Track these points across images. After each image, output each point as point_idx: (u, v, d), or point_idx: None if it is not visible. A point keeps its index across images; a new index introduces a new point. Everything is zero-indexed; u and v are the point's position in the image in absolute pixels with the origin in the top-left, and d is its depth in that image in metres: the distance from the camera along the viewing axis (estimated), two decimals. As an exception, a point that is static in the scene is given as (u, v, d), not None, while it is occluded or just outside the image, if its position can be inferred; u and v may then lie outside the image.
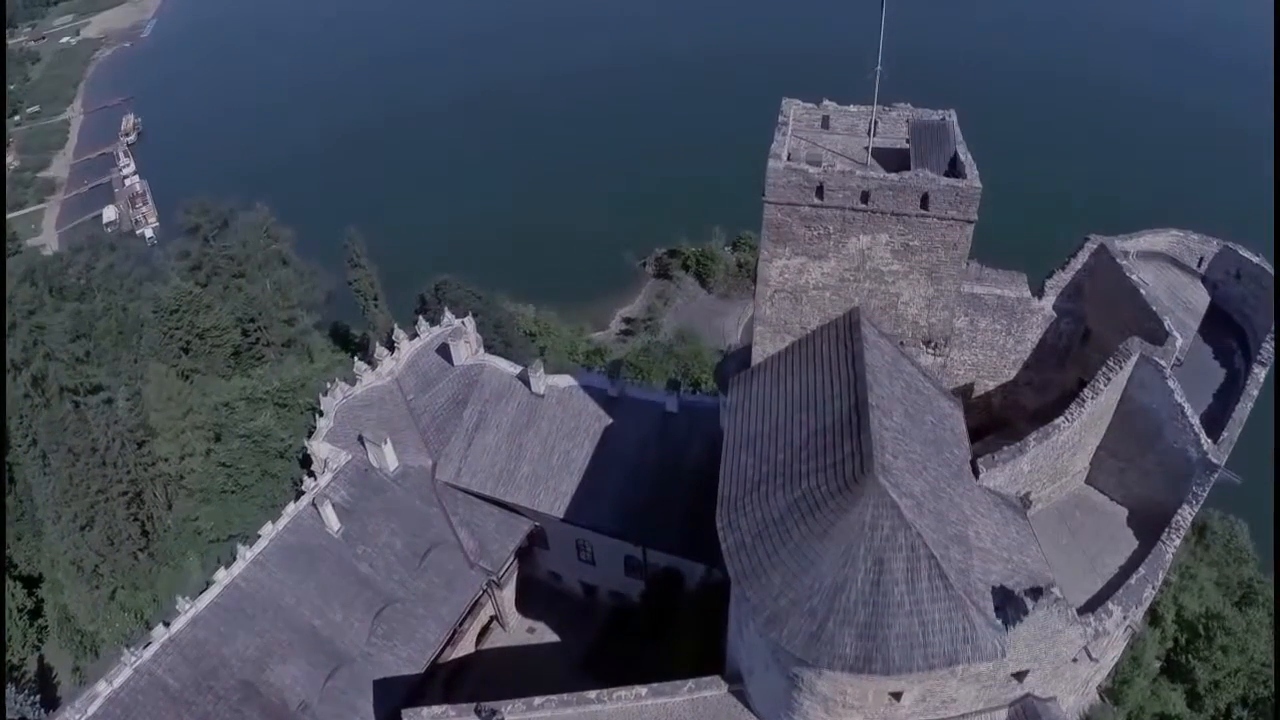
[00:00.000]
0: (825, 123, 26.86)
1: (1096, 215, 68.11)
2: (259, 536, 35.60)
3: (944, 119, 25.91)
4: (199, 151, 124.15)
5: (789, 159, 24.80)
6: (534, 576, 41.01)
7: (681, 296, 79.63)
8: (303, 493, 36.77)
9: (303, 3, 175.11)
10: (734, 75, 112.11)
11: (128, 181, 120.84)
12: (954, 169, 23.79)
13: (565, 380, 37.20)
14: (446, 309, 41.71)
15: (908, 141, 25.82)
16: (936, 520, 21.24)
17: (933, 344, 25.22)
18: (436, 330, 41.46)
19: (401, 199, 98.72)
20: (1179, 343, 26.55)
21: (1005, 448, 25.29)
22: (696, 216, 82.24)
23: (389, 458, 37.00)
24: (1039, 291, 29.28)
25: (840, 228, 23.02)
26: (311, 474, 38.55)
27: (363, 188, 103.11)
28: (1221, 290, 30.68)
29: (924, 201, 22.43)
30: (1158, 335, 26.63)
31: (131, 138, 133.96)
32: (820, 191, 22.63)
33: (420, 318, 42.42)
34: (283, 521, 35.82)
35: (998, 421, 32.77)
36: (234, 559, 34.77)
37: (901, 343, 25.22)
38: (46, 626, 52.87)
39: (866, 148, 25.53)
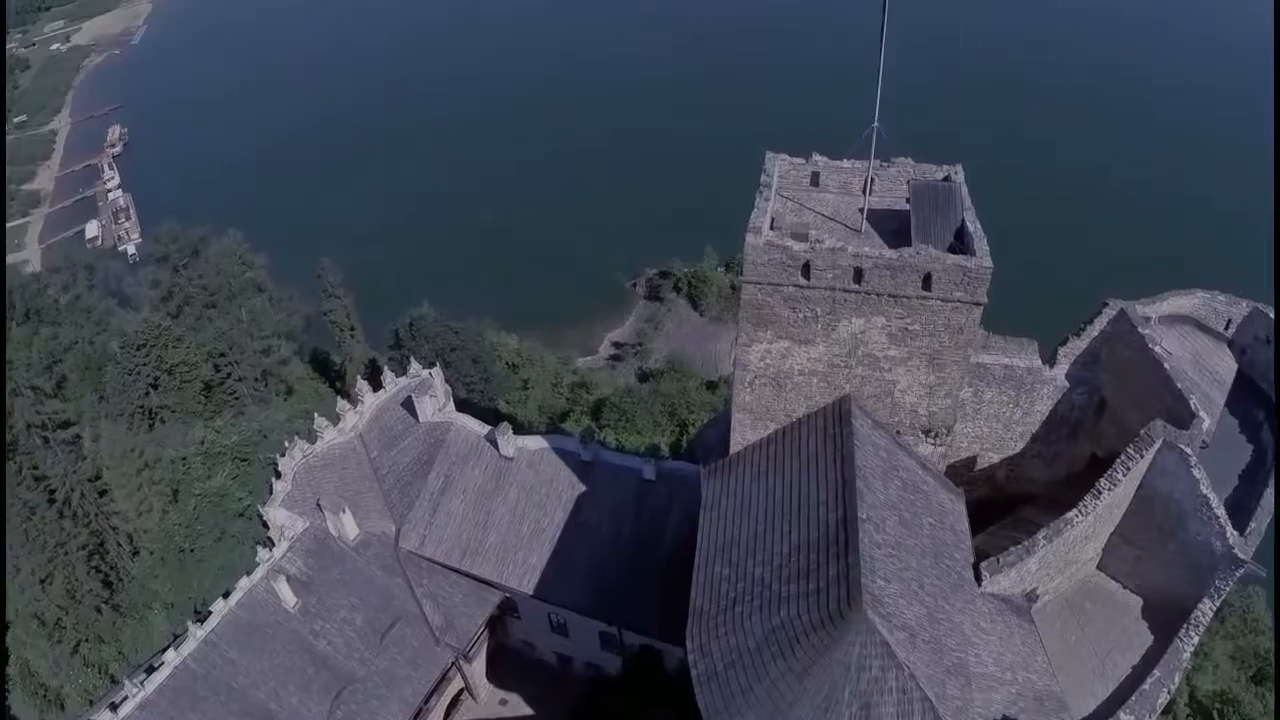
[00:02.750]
0: (815, 180, 24.26)
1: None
2: (210, 613, 33.35)
3: (949, 178, 23.25)
4: (185, 162, 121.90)
5: (772, 224, 22.22)
6: (506, 644, 38.53)
7: (672, 320, 76.97)
8: (258, 564, 34.37)
9: (294, 10, 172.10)
10: (729, 90, 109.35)
11: (111, 195, 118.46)
12: (961, 239, 21.18)
13: (536, 442, 34.67)
14: (413, 359, 39.10)
15: (908, 201, 23.27)
16: (933, 652, 18.72)
17: (933, 433, 22.63)
18: (403, 381, 38.91)
19: (387, 216, 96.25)
20: (1206, 425, 23.98)
21: (1012, 549, 22.75)
22: (689, 236, 79.60)
23: (348, 526, 34.52)
24: (1051, 359, 26.70)
25: (829, 310, 20.42)
26: (270, 541, 36.08)
27: (348, 205, 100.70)
28: (1249, 356, 28.06)
29: (926, 282, 19.81)
30: (1182, 416, 24.05)
31: (117, 149, 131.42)
32: (807, 270, 20.04)
33: (386, 368, 39.82)
34: (236, 596, 33.44)
35: (1003, 496, 30.30)
36: (185, 636, 32.48)
37: (898, 431, 22.64)
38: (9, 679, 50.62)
39: (861, 209, 22.95)
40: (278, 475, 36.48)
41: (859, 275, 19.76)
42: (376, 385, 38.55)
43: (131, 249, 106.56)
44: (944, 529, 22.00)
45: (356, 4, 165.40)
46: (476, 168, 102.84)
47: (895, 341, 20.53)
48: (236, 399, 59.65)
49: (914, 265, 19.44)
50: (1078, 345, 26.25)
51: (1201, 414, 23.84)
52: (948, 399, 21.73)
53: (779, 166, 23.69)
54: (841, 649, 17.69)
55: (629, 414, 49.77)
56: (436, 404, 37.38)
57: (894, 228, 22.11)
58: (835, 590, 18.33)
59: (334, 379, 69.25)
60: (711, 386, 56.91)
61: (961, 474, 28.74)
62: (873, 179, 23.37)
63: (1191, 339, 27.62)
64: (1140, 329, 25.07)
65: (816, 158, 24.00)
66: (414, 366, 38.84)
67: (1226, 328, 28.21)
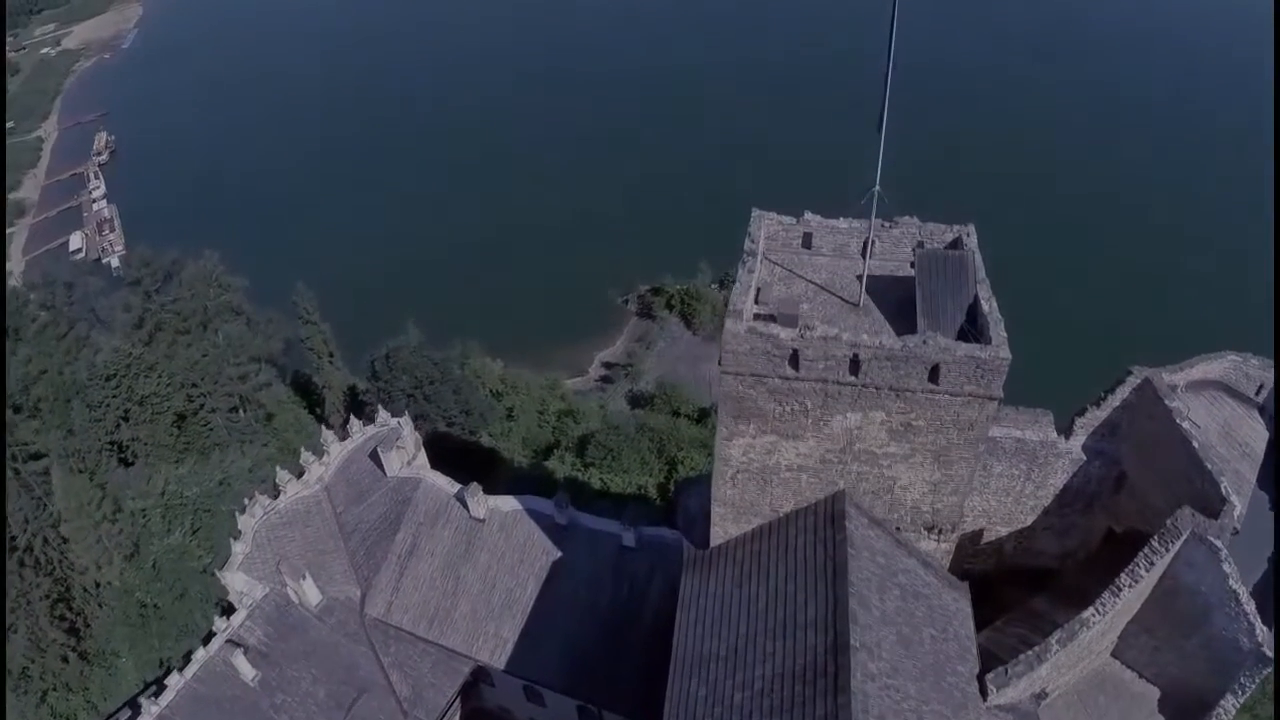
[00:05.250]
0: (806, 241, 21.90)
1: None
2: (165, 687, 31.31)
3: (960, 241, 20.83)
4: (172, 170, 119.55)
5: (758, 296, 19.90)
6: (482, 708, 36.32)
7: (665, 339, 74.52)
8: (214, 633, 32.27)
9: (289, 15, 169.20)
10: (723, 104, 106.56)
11: (96, 206, 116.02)
12: (973, 319, 18.79)
13: (508, 503, 32.45)
14: (380, 407, 36.88)
15: (913, 265, 20.93)
16: (934, 796, 16.52)
17: (937, 530, 20.32)
18: (370, 430, 36.70)
19: (375, 229, 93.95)
20: (1237, 511, 21.66)
21: (1021, 657, 20.49)
22: (682, 251, 77.17)
23: (310, 594, 32.34)
24: (1067, 430, 24.37)
25: (821, 403, 18.09)
26: (229, 606, 33.94)
27: (337, 218, 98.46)
28: (1281, 423, 25.80)
29: (933, 374, 17.46)
30: (1212, 501, 21.75)
31: (104, 157, 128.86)
32: (795, 360, 17.70)
33: (353, 416, 37.64)
34: (191, 669, 31.45)
35: (1011, 570, 28.06)
36: (138, 712, 30.51)
37: (898, 528, 20.34)
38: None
39: (860, 276, 20.59)
40: (236, 535, 34.33)
41: (856, 366, 17.40)
42: (358, 412, 36.49)
43: (115, 261, 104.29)
44: (947, 639, 19.73)
45: (351, 11, 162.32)
46: (467, 181, 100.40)
47: (896, 438, 18.18)
48: (210, 430, 57.53)
49: (920, 357, 17.08)
50: (1097, 415, 23.89)
51: (1233, 499, 21.52)
52: (954, 496, 19.45)
53: (766, 227, 21.32)
54: (830, 806, 15.47)
55: (615, 452, 47.56)
56: (405, 456, 35.18)
57: (897, 298, 19.74)
58: (823, 733, 16.09)
59: (315, 404, 67.11)
60: (703, 416, 54.57)
61: (967, 547, 26.50)
62: (873, 240, 20.97)
63: (1220, 406, 25.27)
64: (1167, 400, 22.73)
65: (809, 217, 21.62)
66: (382, 415, 36.64)
67: (1258, 393, 25.88)
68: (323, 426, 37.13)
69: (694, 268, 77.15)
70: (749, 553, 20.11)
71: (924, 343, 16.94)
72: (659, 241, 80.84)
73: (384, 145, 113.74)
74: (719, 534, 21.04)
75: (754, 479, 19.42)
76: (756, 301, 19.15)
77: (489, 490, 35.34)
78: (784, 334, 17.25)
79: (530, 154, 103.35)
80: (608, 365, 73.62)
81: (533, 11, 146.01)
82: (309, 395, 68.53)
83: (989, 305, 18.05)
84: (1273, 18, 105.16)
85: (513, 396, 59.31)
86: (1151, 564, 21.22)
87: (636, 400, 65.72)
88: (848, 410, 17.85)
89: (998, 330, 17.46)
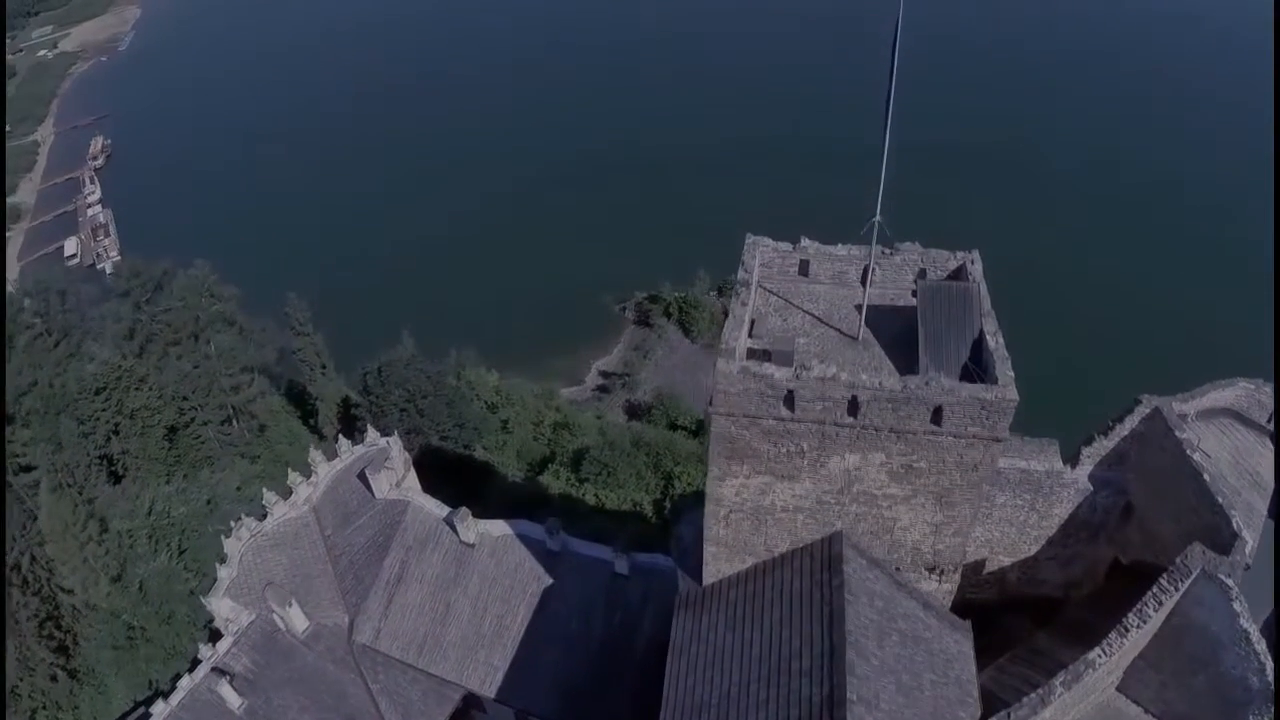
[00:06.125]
0: (804, 268, 21.16)
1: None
2: (150, 715, 30.64)
3: (964, 269, 20.05)
4: (169, 175, 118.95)
5: (752, 329, 19.19)
6: (475, 734, 35.64)
7: (662, 347, 73.73)
8: (200, 660, 31.58)
9: (286, 17, 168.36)
10: (722, 108, 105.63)
11: (91, 211, 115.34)
12: (978, 355, 18.02)
13: (499, 527, 31.73)
14: (369, 427, 36.18)
15: (915, 294, 20.18)
16: None
17: (939, 571, 19.59)
18: (359, 450, 35.97)
19: (372, 235, 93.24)
20: (1249, 546, 20.98)
21: (1024, 700, 19.79)
22: (680, 258, 76.37)
23: (296, 620, 31.64)
24: (1073, 459, 23.66)
25: (818, 445, 17.34)
26: (215, 631, 33.25)
27: (335, 224, 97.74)
28: (1292, 452, 25.09)
29: (936, 415, 16.72)
30: (1222, 535, 21.06)
31: (99, 161, 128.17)
32: (790, 401, 16.96)
33: (340, 436, 36.93)
34: (177, 697, 30.73)
35: (1013, 598, 27.37)
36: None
37: (897, 568, 19.62)
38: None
39: (859, 306, 19.84)
40: (222, 559, 33.64)
41: (854, 407, 16.65)
42: (351, 424, 35.80)
43: (109, 267, 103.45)
44: (948, 683, 19.01)
45: (351, 13, 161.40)
46: (466, 186, 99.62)
47: (897, 479, 17.45)
48: (202, 443, 56.86)
49: (922, 398, 16.32)
50: (1105, 445, 23.18)
51: (1244, 534, 20.85)
52: (957, 537, 18.73)
53: (761, 254, 20.58)
54: None
55: (611, 467, 46.82)
56: (394, 477, 34.45)
57: (898, 331, 18.99)
58: (817, 794, 15.40)
59: (309, 414, 66.40)
60: (700, 428, 53.83)
61: (969, 577, 25.78)
62: (874, 267, 20.20)
63: (1231, 434, 24.56)
64: (1177, 431, 22.01)
65: (806, 243, 20.88)
66: (371, 434, 35.94)
67: (1269, 420, 25.16)
68: (311, 446, 36.32)
69: (692, 275, 76.39)
70: (743, 594, 19.41)
71: (926, 384, 16.19)
72: (657, 248, 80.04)
73: (381, 149, 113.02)
74: (712, 572, 20.34)
75: (747, 518, 18.72)
76: (751, 335, 18.43)
77: (481, 506, 34.69)
78: (779, 374, 16.50)
79: (528, 158, 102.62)
80: (605, 374, 72.88)
81: (531, 11, 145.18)
82: (304, 404, 67.84)
83: (995, 341, 17.28)
84: (1272, 19, 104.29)
85: (508, 408, 58.58)
86: (1160, 603, 20.51)
87: (634, 410, 65.04)
88: (846, 452, 17.13)
89: (1004, 369, 16.69)
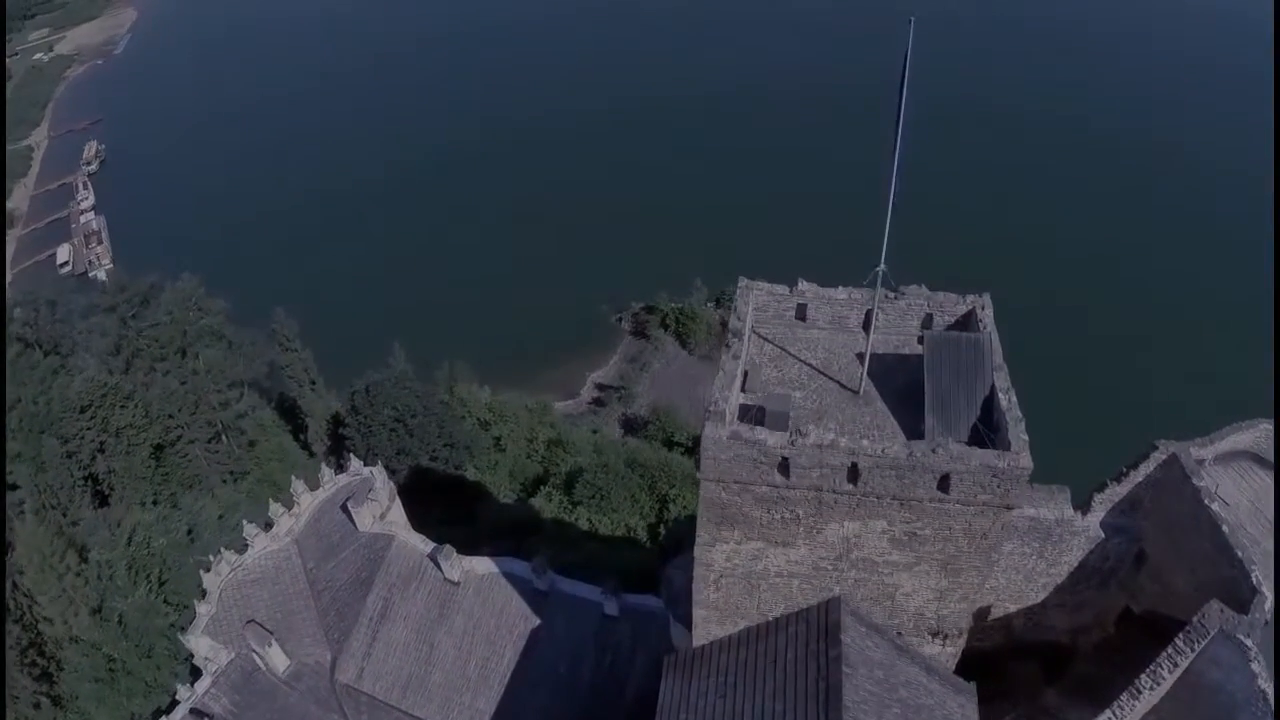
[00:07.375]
0: (800, 312, 20.02)
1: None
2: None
3: (973, 314, 18.86)
4: (163, 180, 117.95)
5: (744, 382, 18.07)
6: (462, 772, 34.55)
7: (660, 359, 72.58)
8: (178, 701, 30.55)
9: (285, 21, 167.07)
10: (718, 121, 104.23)
11: (84, 218, 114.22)
12: (988, 414, 16.87)
13: (484, 565, 30.67)
14: (353, 456, 35.10)
15: (921, 341, 19.03)
16: None
17: (942, 635, 18.49)
18: (342, 480, 34.92)
19: (358, 247, 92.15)
20: (1268, 603, 19.94)
21: (1031, 768, 18.86)
22: (677, 268, 75.20)
23: (276, 659, 30.57)
24: (1085, 505, 22.57)
25: (815, 511, 16.21)
26: (194, 670, 32.20)
27: (329, 234, 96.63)
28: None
29: (943, 482, 15.61)
30: (1240, 589, 19.99)
31: (93, 166, 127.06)
32: (785, 468, 15.80)
33: (324, 465, 35.88)
34: (150, 738, 29.77)
35: (1019, 644, 26.31)
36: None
37: (899, 632, 18.52)
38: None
39: (860, 354, 18.67)
40: (201, 594, 32.59)
41: (854, 474, 15.50)
42: (340, 443, 34.77)
43: (102, 275, 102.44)
44: (950, 754, 17.93)
45: (349, 18, 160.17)
46: (461, 195, 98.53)
47: (899, 547, 16.34)
48: (189, 461, 55.79)
49: (928, 466, 15.17)
50: (1118, 491, 22.12)
51: (1264, 590, 19.79)
52: (962, 603, 17.62)
53: (755, 299, 19.44)
54: None
55: (605, 491, 45.75)
56: (378, 509, 33.37)
57: (902, 384, 17.86)
58: None
59: (300, 429, 65.33)
60: (697, 445, 52.58)
61: (974, 625, 24.69)
62: (876, 312, 19.03)
63: (1250, 478, 23.46)
64: (1195, 479, 20.94)
65: (803, 286, 19.76)
66: (354, 464, 34.88)
67: (1283, 463, 24.06)
68: (296, 468, 35.37)
69: (689, 285, 75.23)
70: (734, 660, 18.32)
71: (933, 451, 15.04)
72: (653, 258, 78.81)
73: (377, 156, 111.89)
74: (702, 635, 19.26)
75: (739, 583, 17.64)
76: (744, 389, 17.32)
77: (470, 532, 33.64)
78: (772, 440, 15.35)
79: (523, 167, 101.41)
80: (600, 387, 71.72)
81: (528, 28, 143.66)
82: (294, 419, 66.76)
83: (1008, 400, 16.06)
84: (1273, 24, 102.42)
85: (501, 425, 57.43)
86: (1175, 665, 19.45)
87: (630, 425, 63.92)
88: (845, 519, 16.02)
89: (1017, 432, 15.49)
